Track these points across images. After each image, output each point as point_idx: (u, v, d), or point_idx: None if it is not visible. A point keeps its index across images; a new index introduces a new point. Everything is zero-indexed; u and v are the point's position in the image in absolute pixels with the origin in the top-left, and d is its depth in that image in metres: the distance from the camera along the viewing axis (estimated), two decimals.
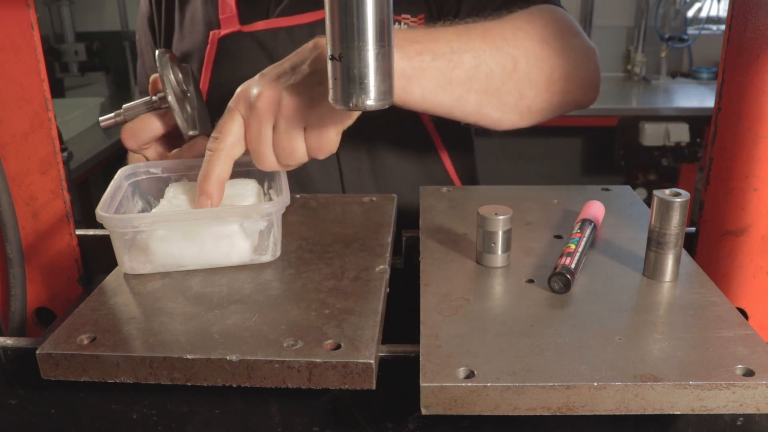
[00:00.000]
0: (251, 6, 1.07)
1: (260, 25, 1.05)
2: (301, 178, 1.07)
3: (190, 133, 0.83)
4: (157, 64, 0.81)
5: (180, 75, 0.84)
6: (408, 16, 1.05)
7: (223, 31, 1.06)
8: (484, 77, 0.82)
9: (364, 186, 1.09)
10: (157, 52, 0.82)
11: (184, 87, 0.85)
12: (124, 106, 0.84)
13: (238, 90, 0.72)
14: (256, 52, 1.06)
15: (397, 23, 1.04)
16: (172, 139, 0.86)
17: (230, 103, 0.71)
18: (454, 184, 1.13)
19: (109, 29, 3.60)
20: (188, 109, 0.84)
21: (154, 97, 0.82)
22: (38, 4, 2.78)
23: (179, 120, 0.81)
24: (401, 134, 1.08)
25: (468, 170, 1.17)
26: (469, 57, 0.81)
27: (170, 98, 0.80)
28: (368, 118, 1.09)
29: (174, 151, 0.85)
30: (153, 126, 0.83)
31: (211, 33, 1.07)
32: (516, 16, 0.89)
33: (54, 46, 3.37)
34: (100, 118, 0.85)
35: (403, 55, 0.76)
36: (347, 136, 1.00)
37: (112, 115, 0.84)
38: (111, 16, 3.60)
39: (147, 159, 0.88)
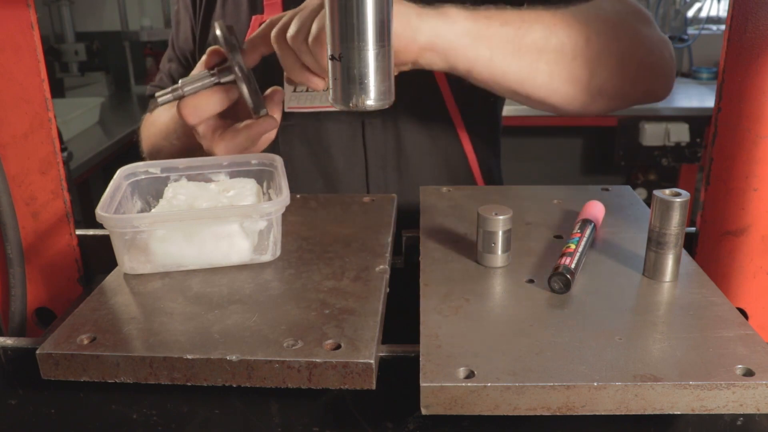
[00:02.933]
0: None
1: None
2: (327, 173, 1.07)
3: (262, 112, 0.81)
4: (224, 48, 0.79)
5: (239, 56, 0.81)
6: None
7: (266, 17, 1.06)
8: (554, 49, 0.79)
9: (389, 183, 1.08)
10: (218, 34, 0.79)
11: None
12: (182, 80, 0.81)
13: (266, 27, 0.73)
14: None
15: None
16: (226, 112, 0.84)
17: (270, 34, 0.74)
18: (476, 183, 1.13)
19: (109, 29, 3.60)
20: (254, 86, 0.81)
21: (212, 70, 0.80)
22: (38, 4, 2.78)
23: (249, 101, 0.79)
24: (430, 132, 1.08)
25: (490, 173, 1.16)
26: (539, 27, 0.79)
27: (242, 86, 0.78)
28: (397, 114, 1.07)
29: (242, 124, 0.83)
30: (216, 101, 0.81)
31: (254, 17, 1.06)
32: (587, 4, 0.87)
33: (54, 46, 3.38)
34: (157, 94, 0.81)
35: (468, 15, 0.74)
36: (375, 131, 0.95)
37: (169, 90, 0.81)
38: (111, 16, 3.60)
39: (199, 134, 0.85)
